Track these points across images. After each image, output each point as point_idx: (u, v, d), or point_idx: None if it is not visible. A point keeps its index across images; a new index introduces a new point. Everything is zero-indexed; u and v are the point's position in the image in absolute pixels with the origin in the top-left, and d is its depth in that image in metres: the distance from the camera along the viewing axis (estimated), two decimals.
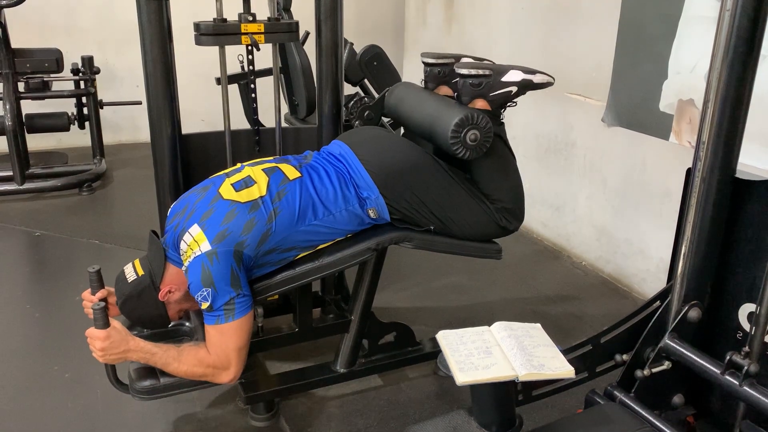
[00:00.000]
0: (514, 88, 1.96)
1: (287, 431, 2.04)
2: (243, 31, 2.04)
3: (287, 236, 1.80)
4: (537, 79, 1.98)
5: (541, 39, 3.46)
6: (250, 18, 2.06)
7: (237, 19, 2.06)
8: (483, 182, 2.00)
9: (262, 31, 2.06)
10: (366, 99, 2.26)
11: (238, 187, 1.83)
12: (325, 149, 2.05)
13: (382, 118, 2.33)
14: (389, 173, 1.90)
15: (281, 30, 2.12)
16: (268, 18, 2.12)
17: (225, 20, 2.04)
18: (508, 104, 2.01)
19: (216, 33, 2.03)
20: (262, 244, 1.76)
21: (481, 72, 1.93)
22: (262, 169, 1.88)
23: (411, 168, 1.92)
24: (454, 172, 1.97)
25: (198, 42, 2.03)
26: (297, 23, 2.19)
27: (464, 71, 1.94)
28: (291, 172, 1.88)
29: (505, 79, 1.95)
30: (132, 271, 1.80)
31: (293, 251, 1.84)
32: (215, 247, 1.71)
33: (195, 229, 1.75)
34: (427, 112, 1.99)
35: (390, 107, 2.19)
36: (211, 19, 2.03)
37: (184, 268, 1.77)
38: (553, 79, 2.02)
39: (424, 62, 2.12)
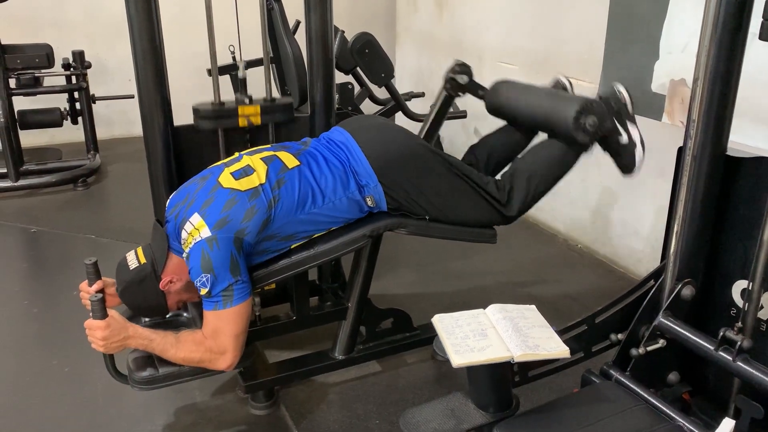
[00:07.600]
0: (625, 138, 2.10)
1: (287, 419, 2.06)
2: (240, 113, 2.13)
3: (286, 223, 1.80)
4: (623, 139, 2.11)
5: (533, 22, 3.45)
6: (247, 101, 2.14)
7: (234, 101, 2.15)
8: (531, 166, 2.11)
9: (258, 113, 2.15)
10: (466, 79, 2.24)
11: (237, 175, 1.83)
12: (326, 135, 2.05)
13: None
14: (388, 161, 1.90)
15: (277, 111, 2.20)
16: (264, 99, 2.19)
17: (223, 104, 2.13)
18: (603, 143, 2.13)
19: (214, 117, 2.11)
20: (262, 231, 1.77)
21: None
22: (261, 158, 1.88)
23: (410, 156, 1.92)
24: (452, 162, 1.97)
25: (197, 126, 2.12)
26: (291, 103, 2.26)
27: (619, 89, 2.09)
28: (290, 160, 1.88)
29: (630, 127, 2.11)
30: (134, 259, 1.81)
31: (292, 240, 1.85)
32: (215, 233, 1.72)
33: (196, 218, 1.76)
34: (542, 102, 2.10)
35: (498, 100, 2.23)
36: (210, 103, 2.12)
37: (185, 255, 1.77)
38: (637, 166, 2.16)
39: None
